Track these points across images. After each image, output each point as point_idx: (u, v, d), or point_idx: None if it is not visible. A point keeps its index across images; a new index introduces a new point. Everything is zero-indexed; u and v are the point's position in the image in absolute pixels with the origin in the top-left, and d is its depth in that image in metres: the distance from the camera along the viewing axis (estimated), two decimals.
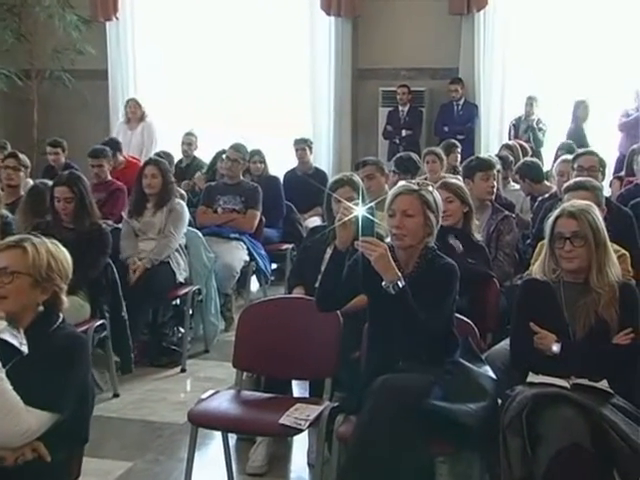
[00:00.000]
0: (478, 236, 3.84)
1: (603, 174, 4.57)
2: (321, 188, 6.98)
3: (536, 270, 2.93)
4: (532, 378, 2.71)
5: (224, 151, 6.21)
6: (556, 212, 2.86)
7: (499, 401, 2.73)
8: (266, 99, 9.53)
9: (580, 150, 4.75)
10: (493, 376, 2.86)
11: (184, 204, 5.05)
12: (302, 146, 7.20)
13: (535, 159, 6.28)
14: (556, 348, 2.74)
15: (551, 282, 2.85)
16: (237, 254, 5.57)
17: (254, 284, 6.33)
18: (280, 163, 7.48)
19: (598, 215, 2.85)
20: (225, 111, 9.58)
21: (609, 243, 2.84)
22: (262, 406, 3.08)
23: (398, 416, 2.55)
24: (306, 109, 9.39)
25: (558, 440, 2.43)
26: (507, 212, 4.40)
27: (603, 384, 2.67)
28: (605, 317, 2.74)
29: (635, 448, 2.44)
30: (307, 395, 3.46)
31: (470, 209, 3.78)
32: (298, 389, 3.73)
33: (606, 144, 7.75)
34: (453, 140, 6.97)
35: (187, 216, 4.97)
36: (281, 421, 2.85)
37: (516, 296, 2.97)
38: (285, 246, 6.36)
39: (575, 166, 4.53)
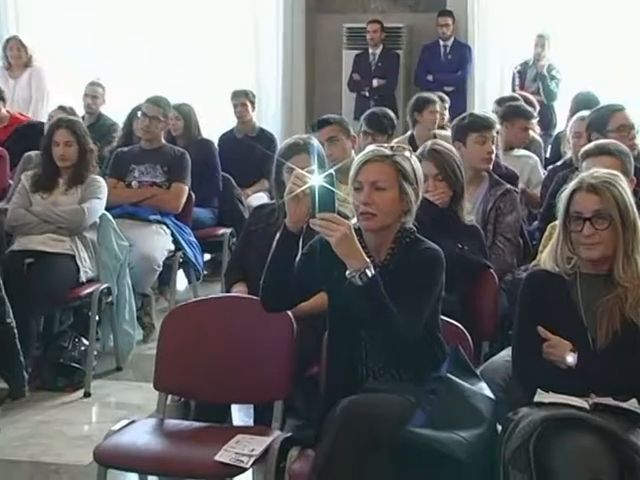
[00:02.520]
0: (469, 217, 3.88)
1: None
2: (268, 155, 7.05)
3: (546, 259, 2.97)
4: (541, 397, 2.74)
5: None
6: (572, 185, 2.88)
7: (499, 427, 2.76)
8: (195, 40, 9.47)
9: (613, 104, 4.75)
10: (491, 396, 2.88)
11: (102, 180, 5.03)
12: (242, 100, 7.19)
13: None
14: (571, 359, 2.77)
15: (565, 275, 2.88)
16: (158, 242, 5.56)
17: (181, 281, 6.32)
18: (216, 123, 7.47)
19: (626, 188, 2.88)
20: (142, 56, 9.49)
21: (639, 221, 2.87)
22: (193, 439, 3.08)
23: (368, 449, 2.56)
24: (248, 54, 9.37)
25: (575, 475, 2.46)
26: (509, 185, 4.45)
27: (632, 404, 2.71)
28: (634, 319, 2.78)
29: None
30: (251, 423, 3.48)
31: (460, 189, 3.82)
32: (239, 416, 3.75)
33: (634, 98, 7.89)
34: (440, 93, 7.00)
35: (105, 194, 4.95)
36: (217, 458, 2.85)
37: (520, 293, 2.99)
38: (222, 231, 6.37)
39: (615, 126, 4.54)
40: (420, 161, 3.74)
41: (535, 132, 6.60)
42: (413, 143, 6.05)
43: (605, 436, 2.54)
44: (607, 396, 2.71)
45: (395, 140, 6.20)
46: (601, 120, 4.55)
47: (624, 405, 2.68)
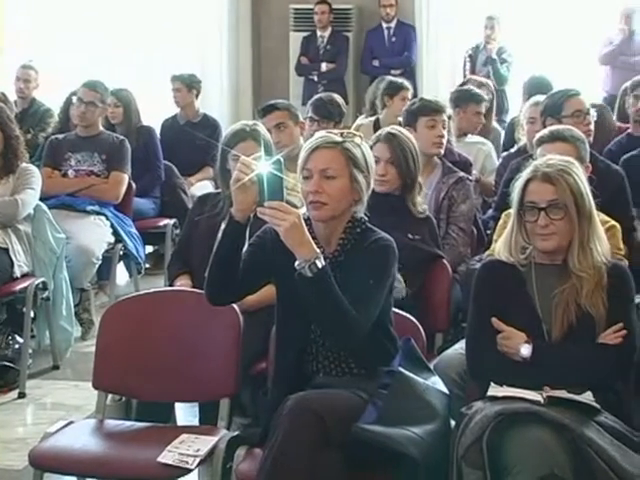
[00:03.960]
0: (422, 206, 3.90)
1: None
2: (212, 142, 7.00)
3: (500, 249, 2.99)
4: (494, 391, 2.76)
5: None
6: (526, 173, 2.90)
7: (452, 423, 2.78)
8: (137, 24, 9.38)
9: (567, 89, 4.80)
10: (444, 390, 2.91)
11: (35, 169, 4.95)
12: (176, 85, 7.13)
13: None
14: (525, 351, 2.80)
15: (519, 265, 2.91)
16: (97, 233, 5.51)
17: (121, 274, 6.28)
18: (160, 109, 7.41)
19: (582, 176, 2.91)
20: (82, 40, 9.37)
21: (595, 213, 2.90)
22: (134, 440, 3.06)
23: (317, 447, 2.56)
24: (192, 37, 9.30)
25: (531, 471, 2.48)
26: (462, 173, 4.48)
27: (586, 397, 2.75)
28: (589, 310, 2.82)
29: (626, 478, 2.53)
30: (196, 423, 3.47)
31: (413, 179, 3.84)
32: (184, 415, 3.73)
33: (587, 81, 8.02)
34: (403, 79, 6.97)
35: (40, 184, 4.88)
36: (160, 459, 2.83)
37: (474, 283, 3.01)
38: (164, 222, 6.34)
39: (570, 111, 4.59)
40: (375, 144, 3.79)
41: (491, 120, 6.65)
42: (378, 128, 6.07)
43: (559, 430, 2.57)
44: (561, 389, 2.74)
45: (356, 124, 6.24)
46: (556, 105, 4.60)
47: (578, 398, 2.71)
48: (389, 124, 5.84)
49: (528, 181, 2.88)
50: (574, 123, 4.27)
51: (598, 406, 2.71)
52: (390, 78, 6.66)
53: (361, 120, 6.69)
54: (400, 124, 5.69)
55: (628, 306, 2.87)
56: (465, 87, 6.21)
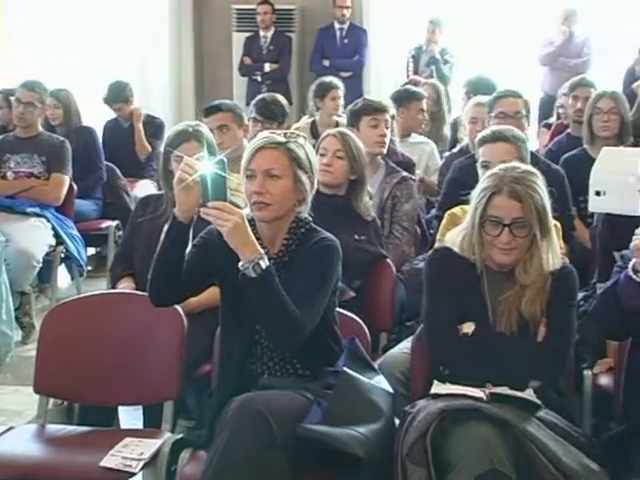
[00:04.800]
0: (370, 211, 3.92)
1: (528, 121, 4.74)
2: (155, 143, 6.94)
3: (452, 243, 2.99)
4: (437, 388, 2.78)
5: (11, 92, 6.02)
6: (491, 185, 2.86)
7: (397, 421, 2.80)
8: (78, 24, 9.26)
9: (502, 91, 4.88)
10: (389, 389, 2.93)
11: None
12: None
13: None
14: (468, 329, 2.83)
15: (470, 265, 2.91)
16: (37, 236, 5.45)
17: (63, 277, 6.22)
18: (99, 110, 7.34)
19: (544, 189, 2.87)
20: (24, 41, 9.22)
21: (553, 227, 2.91)
22: (77, 444, 3.04)
23: (263, 448, 2.56)
24: (133, 37, 9.22)
25: (473, 467, 2.51)
26: (405, 173, 4.51)
27: (528, 393, 2.77)
28: (527, 316, 2.84)
29: (567, 473, 2.56)
30: (140, 426, 3.44)
31: (360, 177, 3.85)
32: (127, 418, 3.70)
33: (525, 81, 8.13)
34: (331, 78, 6.99)
35: None
36: (103, 463, 2.82)
37: (427, 267, 3.01)
38: (106, 224, 6.29)
39: (495, 112, 4.67)
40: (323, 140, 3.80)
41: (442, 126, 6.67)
42: (315, 130, 6.08)
43: (501, 426, 2.58)
44: (503, 386, 2.75)
45: (295, 126, 6.23)
46: (490, 106, 4.69)
47: (520, 394, 2.72)
48: (325, 124, 5.88)
49: (493, 194, 2.84)
50: (497, 124, 4.34)
51: (539, 402, 2.73)
52: (319, 79, 6.61)
53: (300, 122, 6.68)
54: (337, 124, 5.73)
55: (568, 308, 2.88)
56: (404, 86, 6.25)
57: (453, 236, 2.99)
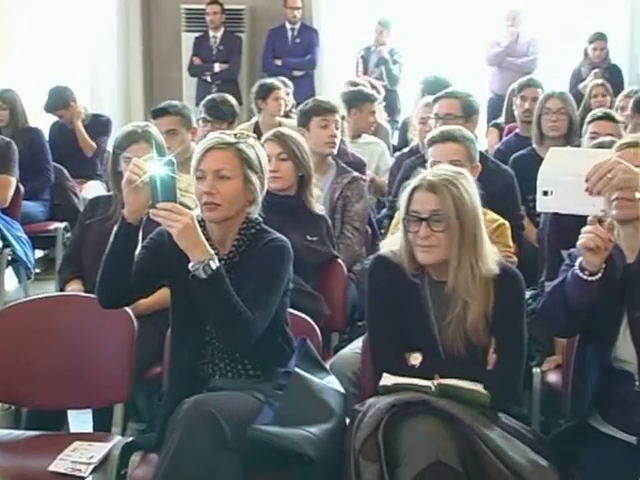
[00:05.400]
0: (318, 206, 3.92)
1: (473, 122, 4.73)
2: (102, 141, 6.86)
3: (388, 246, 2.93)
4: (385, 380, 2.76)
5: None
6: (413, 182, 2.82)
7: (348, 421, 2.80)
8: (27, 23, 9.15)
9: (441, 93, 4.91)
10: (341, 389, 2.94)
11: None
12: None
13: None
14: (415, 361, 2.80)
15: (410, 275, 2.85)
16: None
17: (10, 280, 6.16)
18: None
19: (470, 188, 2.82)
20: None
21: (483, 226, 2.83)
22: (25, 449, 3.01)
23: (214, 449, 2.55)
24: (81, 38, 9.14)
25: (419, 459, 2.52)
26: (356, 173, 4.52)
27: (476, 386, 2.73)
28: (474, 339, 2.79)
29: (514, 468, 2.57)
30: (90, 430, 3.42)
31: (308, 174, 3.85)
32: (77, 422, 3.66)
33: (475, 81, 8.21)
34: (282, 77, 7.00)
35: None
36: (52, 468, 2.80)
37: (366, 279, 2.98)
38: (54, 225, 6.23)
39: (432, 113, 4.70)
40: (263, 146, 3.77)
41: (382, 118, 6.74)
42: (258, 131, 6.06)
43: (448, 420, 2.59)
44: (453, 378, 2.72)
45: (238, 127, 6.20)
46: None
47: (467, 385, 2.70)
48: (268, 126, 5.86)
49: (414, 190, 2.81)
50: (438, 126, 4.38)
51: (487, 393, 2.69)
52: (261, 81, 6.59)
53: (240, 125, 6.66)
54: (279, 124, 5.72)
55: (516, 323, 2.82)
56: (357, 87, 6.26)
57: (391, 242, 2.93)
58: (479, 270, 2.77)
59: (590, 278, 2.56)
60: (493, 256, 2.83)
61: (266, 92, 6.29)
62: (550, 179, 2.59)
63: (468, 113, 4.58)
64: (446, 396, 2.65)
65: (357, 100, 5.80)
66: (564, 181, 2.55)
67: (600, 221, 2.54)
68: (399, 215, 3.67)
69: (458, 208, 2.75)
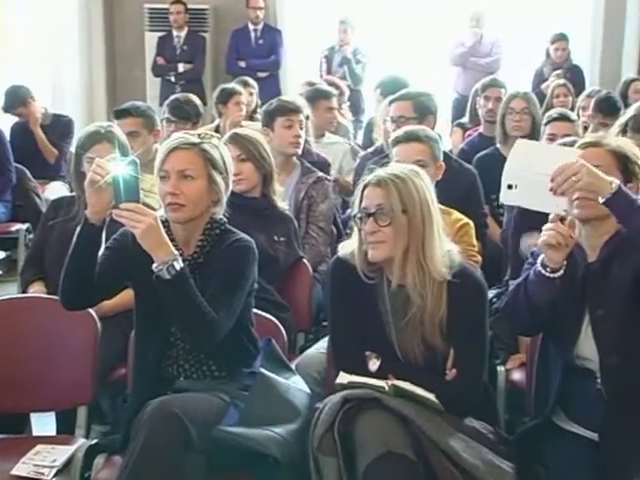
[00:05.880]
0: (283, 204, 3.92)
1: (427, 122, 4.70)
2: (64, 142, 6.81)
3: (345, 249, 2.88)
4: (341, 379, 2.76)
5: None
6: (365, 180, 2.80)
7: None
8: None
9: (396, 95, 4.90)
10: (306, 389, 2.94)
11: None
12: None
13: None
14: (373, 366, 2.79)
15: (365, 277, 2.81)
16: None
17: None
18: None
19: (422, 185, 2.77)
20: None
21: (437, 227, 2.78)
22: None
23: (179, 451, 2.55)
24: (43, 37, 9.05)
25: (370, 451, 2.53)
26: (321, 173, 4.53)
27: (429, 394, 2.70)
28: (432, 344, 2.77)
29: (466, 468, 2.57)
30: (53, 432, 3.41)
31: (270, 171, 3.84)
32: (40, 425, 3.63)
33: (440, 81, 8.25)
34: (246, 78, 6.95)
35: None
36: (14, 472, 2.78)
37: (328, 286, 2.95)
38: (16, 227, 6.19)
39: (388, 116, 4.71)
40: None
41: (346, 118, 6.74)
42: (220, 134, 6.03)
43: (400, 418, 2.59)
44: (407, 381, 2.70)
45: (200, 129, 6.16)
46: None
47: (420, 391, 2.68)
48: (229, 130, 5.81)
49: (365, 187, 2.79)
50: (395, 127, 4.40)
51: (438, 402, 2.67)
52: (222, 85, 6.49)
53: (203, 127, 6.61)
54: (241, 127, 5.68)
55: (474, 328, 2.79)
56: (313, 86, 6.25)
57: (349, 244, 2.88)
58: (428, 270, 2.73)
59: (552, 275, 2.59)
60: (446, 259, 2.76)
61: (226, 97, 6.20)
62: (516, 173, 2.60)
63: (421, 114, 4.55)
64: (400, 396, 2.65)
65: (311, 98, 5.76)
66: (529, 177, 2.56)
67: (562, 219, 2.56)
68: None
69: (404, 202, 2.73)
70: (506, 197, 2.63)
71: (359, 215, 2.78)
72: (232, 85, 6.46)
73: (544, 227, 2.57)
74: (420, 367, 2.76)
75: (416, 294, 2.74)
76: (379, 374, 2.75)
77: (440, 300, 2.75)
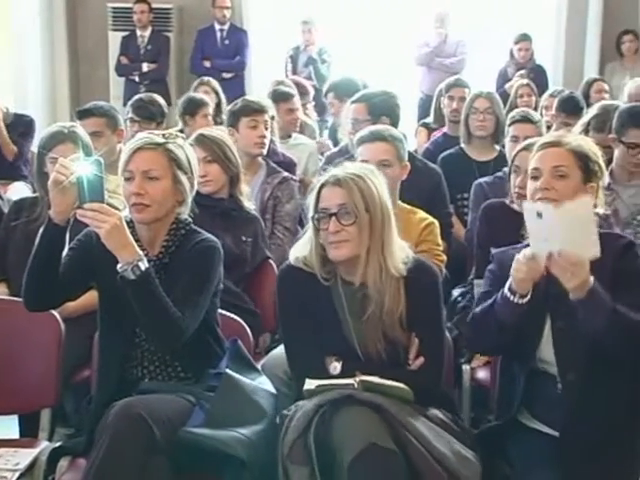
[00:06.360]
0: (250, 205, 3.91)
1: (382, 123, 4.67)
2: (25, 142, 6.73)
3: (296, 258, 2.84)
4: (309, 385, 2.72)
5: None
6: (321, 180, 2.80)
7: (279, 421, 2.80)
8: None
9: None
10: (272, 390, 2.94)
11: None
12: None
13: None
14: (334, 370, 2.76)
15: (322, 279, 2.80)
16: None
17: None
18: None
19: (378, 184, 2.79)
20: None
21: (393, 225, 2.80)
22: None
23: (144, 452, 2.53)
24: (4, 37, 8.96)
25: (354, 445, 2.50)
26: (286, 173, 4.53)
27: (398, 383, 2.72)
28: (394, 338, 2.79)
29: (438, 457, 2.58)
30: (17, 436, 3.37)
31: (236, 173, 3.83)
32: (2, 428, 3.60)
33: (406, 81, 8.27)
34: (201, 95, 6.79)
35: None
36: None
37: (277, 292, 2.91)
38: None
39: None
40: None
41: (311, 117, 6.73)
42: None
43: (375, 409, 2.59)
44: (374, 375, 2.70)
45: (166, 131, 6.09)
46: None
47: (389, 383, 2.69)
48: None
49: (322, 187, 2.77)
50: (352, 130, 4.40)
51: (409, 390, 2.69)
52: (187, 96, 6.13)
53: (170, 130, 6.51)
54: None
55: (432, 315, 2.82)
56: (275, 87, 6.23)
57: (299, 248, 2.86)
58: (387, 267, 2.75)
59: (520, 301, 2.58)
60: (402, 255, 2.80)
61: (195, 108, 5.98)
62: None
63: (376, 115, 4.54)
64: (369, 391, 2.65)
65: (274, 100, 5.72)
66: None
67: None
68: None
69: (366, 201, 2.73)
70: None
71: (317, 216, 2.77)
72: (200, 96, 6.27)
73: (515, 259, 2.57)
74: (383, 362, 2.77)
75: (375, 291, 2.75)
76: (343, 376, 2.73)
77: (399, 296, 2.77)
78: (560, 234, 2.46)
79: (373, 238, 2.75)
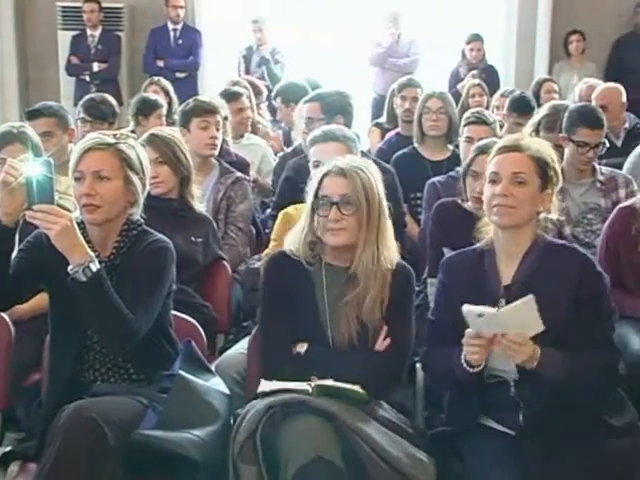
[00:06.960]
0: (200, 206, 3.89)
1: (336, 122, 4.68)
2: None
3: (289, 243, 2.99)
4: (263, 387, 2.77)
5: None
6: (324, 168, 2.92)
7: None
8: None
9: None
10: (226, 391, 2.93)
11: None
12: None
13: None
14: (301, 349, 2.84)
15: (306, 263, 2.92)
16: None
17: None
18: None
19: (377, 177, 2.92)
20: None
21: (388, 218, 2.92)
22: None
23: (96, 456, 2.52)
24: None
25: (298, 457, 2.53)
26: (239, 174, 4.51)
27: (353, 386, 2.74)
28: (368, 322, 2.86)
29: (391, 462, 2.61)
30: None
31: (187, 174, 3.81)
32: None
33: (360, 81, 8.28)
34: (156, 97, 6.71)
35: None
36: None
37: (264, 278, 3.01)
38: None
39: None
40: None
41: (264, 118, 6.71)
42: None
43: (327, 417, 2.61)
44: (329, 378, 2.74)
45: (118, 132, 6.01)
46: None
47: (344, 385, 2.72)
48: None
49: (324, 176, 2.89)
50: (305, 129, 4.41)
51: (364, 392, 2.73)
52: (141, 96, 6.06)
53: (122, 130, 6.43)
54: None
55: (406, 314, 2.93)
56: (226, 87, 6.20)
57: (291, 237, 2.99)
58: (379, 256, 2.86)
59: (475, 370, 2.65)
60: (394, 245, 2.94)
61: (149, 110, 5.92)
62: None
63: (330, 114, 4.55)
64: (324, 395, 2.67)
65: (225, 100, 5.68)
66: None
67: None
68: (284, 213, 3.72)
69: (367, 193, 2.86)
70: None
71: (318, 203, 2.87)
72: (154, 97, 6.20)
73: (464, 341, 2.60)
74: (352, 344, 2.85)
75: (364, 276, 2.85)
76: (307, 355, 2.81)
77: (385, 287, 2.88)
78: (502, 328, 2.55)
79: (369, 228, 2.85)
